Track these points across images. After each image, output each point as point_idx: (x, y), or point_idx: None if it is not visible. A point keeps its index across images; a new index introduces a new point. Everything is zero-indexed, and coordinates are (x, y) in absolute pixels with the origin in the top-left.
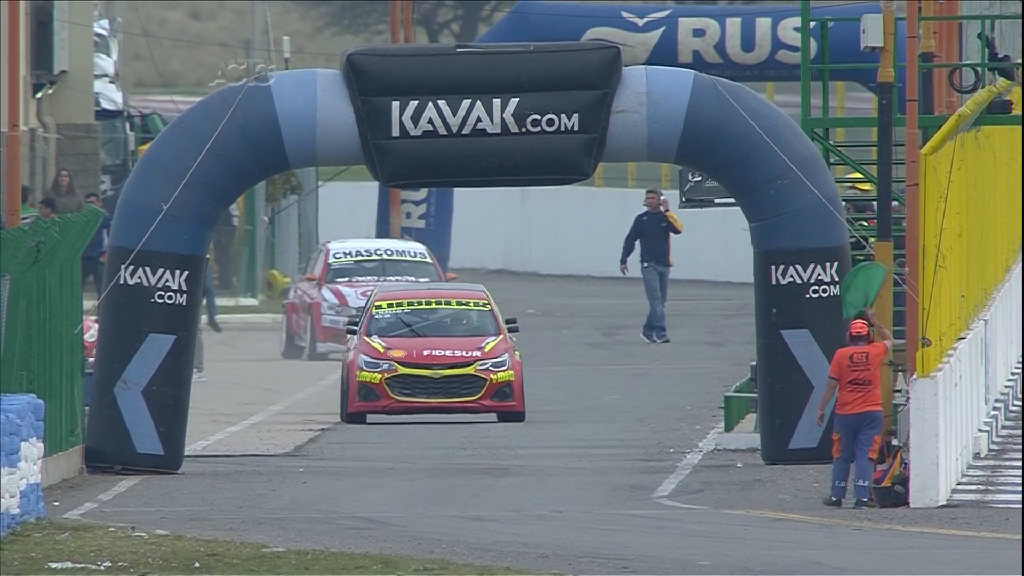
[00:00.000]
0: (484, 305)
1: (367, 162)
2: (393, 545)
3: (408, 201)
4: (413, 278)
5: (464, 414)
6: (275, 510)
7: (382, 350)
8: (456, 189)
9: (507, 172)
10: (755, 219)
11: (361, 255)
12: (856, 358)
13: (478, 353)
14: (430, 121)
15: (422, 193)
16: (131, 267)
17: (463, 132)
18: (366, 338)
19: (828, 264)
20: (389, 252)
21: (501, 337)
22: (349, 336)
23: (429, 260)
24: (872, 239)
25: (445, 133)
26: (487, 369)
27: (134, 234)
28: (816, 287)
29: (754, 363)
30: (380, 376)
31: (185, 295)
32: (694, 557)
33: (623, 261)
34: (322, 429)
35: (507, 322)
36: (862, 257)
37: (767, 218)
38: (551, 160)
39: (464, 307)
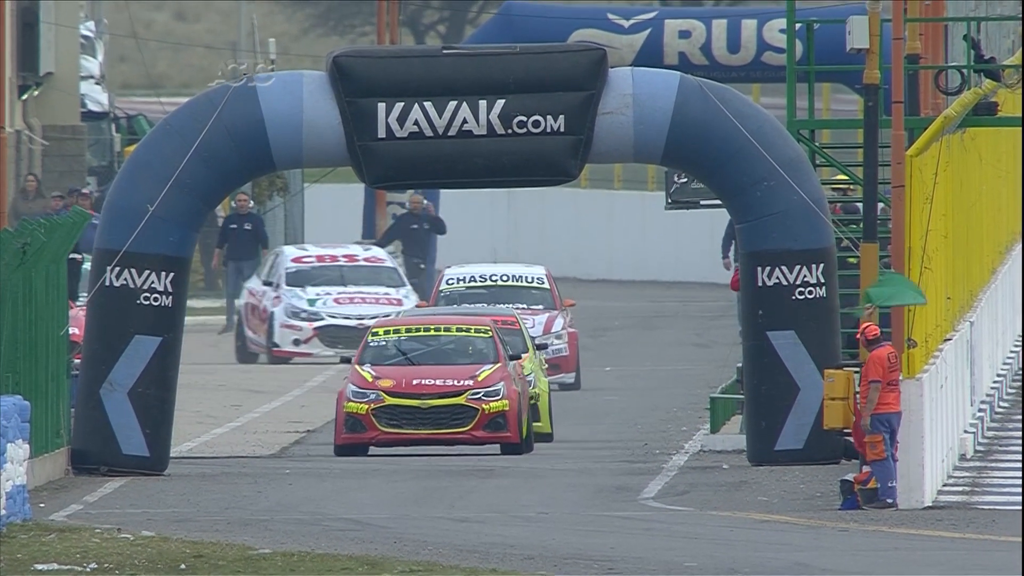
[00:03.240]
0: (486, 332)
1: (353, 164)
2: (379, 546)
3: (394, 203)
4: (525, 305)
5: (456, 446)
6: (261, 511)
7: (370, 379)
8: (442, 191)
9: (493, 174)
10: (741, 221)
11: (475, 281)
12: (891, 358)
13: (470, 382)
14: (416, 123)
15: (408, 195)
16: (117, 269)
17: (449, 134)
18: (357, 367)
19: (814, 265)
20: (505, 278)
21: (499, 365)
22: (340, 360)
23: (547, 285)
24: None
25: (431, 135)
26: (479, 399)
27: (120, 236)
28: (802, 288)
29: (740, 364)
30: (367, 407)
31: (171, 297)
32: (680, 558)
33: (725, 257)
34: (308, 431)
35: (538, 347)
36: (853, 260)
37: (753, 220)
38: (537, 162)
39: (464, 333)
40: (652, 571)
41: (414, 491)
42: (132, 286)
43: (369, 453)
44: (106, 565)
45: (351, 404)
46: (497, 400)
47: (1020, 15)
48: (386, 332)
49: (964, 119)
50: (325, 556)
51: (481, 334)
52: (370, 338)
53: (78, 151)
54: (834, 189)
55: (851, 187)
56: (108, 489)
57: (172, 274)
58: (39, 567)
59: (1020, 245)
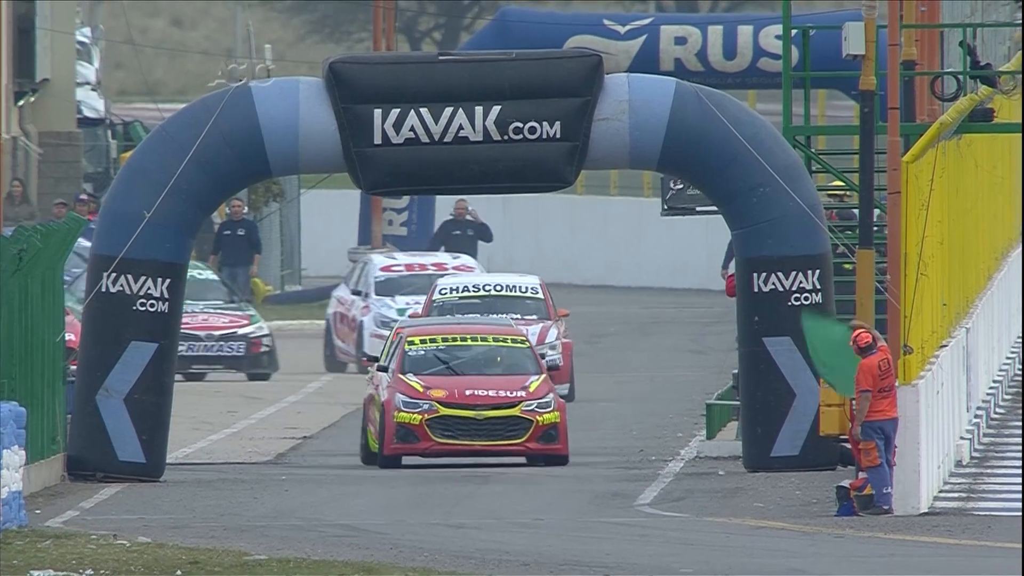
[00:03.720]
0: (522, 342)
1: (349, 170)
2: (375, 553)
3: (390, 209)
4: (519, 315)
5: (507, 457)
6: (257, 518)
7: (421, 389)
8: (438, 197)
9: (489, 180)
10: (737, 227)
11: (468, 291)
12: (883, 365)
13: (523, 393)
14: (412, 129)
15: (404, 201)
16: (113, 275)
17: (445, 140)
18: (402, 376)
19: (810, 272)
20: (499, 288)
21: (544, 376)
22: (378, 373)
23: (541, 295)
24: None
25: (427, 141)
26: (533, 410)
27: (116, 242)
28: (798, 295)
29: (736, 371)
30: (420, 417)
31: (167, 303)
32: (676, 565)
33: (725, 267)
34: (304, 437)
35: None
36: (849, 267)
37: (749, 226)
38: (533, 168)
39: (501, 344)
40: None
41: (410, 497)
42: (128, 292)
43: (403, 464)
44: (102, 571)
45: (403, 414)
46: (550, 412)
47: (1015, 21)
48: (423, 341)
49: (960, 125)
50: (321, 562)
51: (517, 344)
52: (407, 347)
53: (74, 157)
54: (830, 195)
55: (847, 193)
56: (104, 495)
57: (168, 280)
58: (35, 573)
59: (1016, 250)
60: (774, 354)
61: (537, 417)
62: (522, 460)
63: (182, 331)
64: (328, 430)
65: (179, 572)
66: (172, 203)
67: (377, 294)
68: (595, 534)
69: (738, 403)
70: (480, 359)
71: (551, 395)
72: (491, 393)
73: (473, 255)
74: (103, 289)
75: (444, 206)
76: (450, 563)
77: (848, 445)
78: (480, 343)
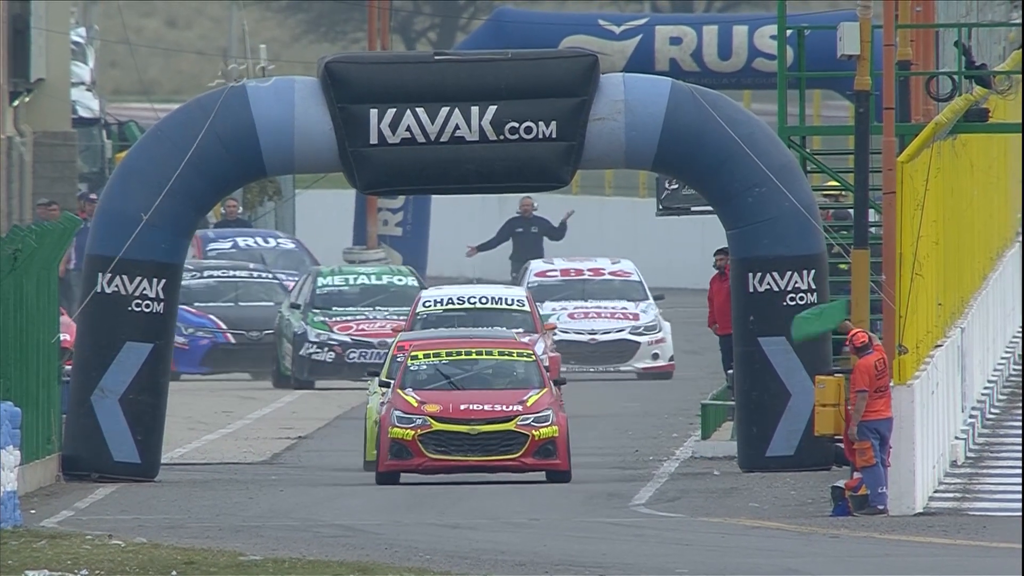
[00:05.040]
0: (528, 356)
1: (345, 169)
2: (371, 553)
3: (385, 209)
4: (504, 328)
5: (504, 473)
6: (252, 518)
7: (416, 404)
8: (433, 197)
9: (485, 180)
10: (732, 227)
11: (452, 303)
12: (879, 365)
13: (519, 407)
14: (408, 129)
15: (399, 200)
16: (109, 275)
17: (441, 140)
18: (400, 391)
19: (805, 272)
20: (484, 300)
21: (546, 390)
22: (379, 384)
23: (527, 308)
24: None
25: (423, 141)
26: (529, 425)
27: (112, 242)
28: (793, 295)
29: (731, 371)
30: (413, 432)
31: (162, 303)
32: (671, 565)
33: None
34: (299, 437)
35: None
36: (844, 267)
37: (744, 226)
38: (529, 168)
39: (507, 357)
40: None
41: (405, 497)
42: (124, 293)
43: (401, 481)
44: (97, 572)
45: (396, 429)
46: (547, 426)
47: (1010, 21)
48: (426, 356)
49: (955, 125)
50: (316, 562)
51: (523, 358)
52: (410, 362)
53: (69, 157)
54: (825, 195)
55: (842, 193)
56: (99, 495)
57: (163, 280)
58: (30, 573)
59: (1012, 250)
60: (769, 354)
61: (533, 431)
62: (520, 478)
63: (357, 338)
64: (323, 430)
65: (174, 572)
66: (167, 203)
67: None
68: (591, 534)
69: (733, 403)
70: (483, 373)
71: (550, 410)
72: (486, 407)
73: (540, 253)
74: (99, 290)
75: (439, 206)
76: (445, 563)
77: (841, 445)
78: (485, 356)
